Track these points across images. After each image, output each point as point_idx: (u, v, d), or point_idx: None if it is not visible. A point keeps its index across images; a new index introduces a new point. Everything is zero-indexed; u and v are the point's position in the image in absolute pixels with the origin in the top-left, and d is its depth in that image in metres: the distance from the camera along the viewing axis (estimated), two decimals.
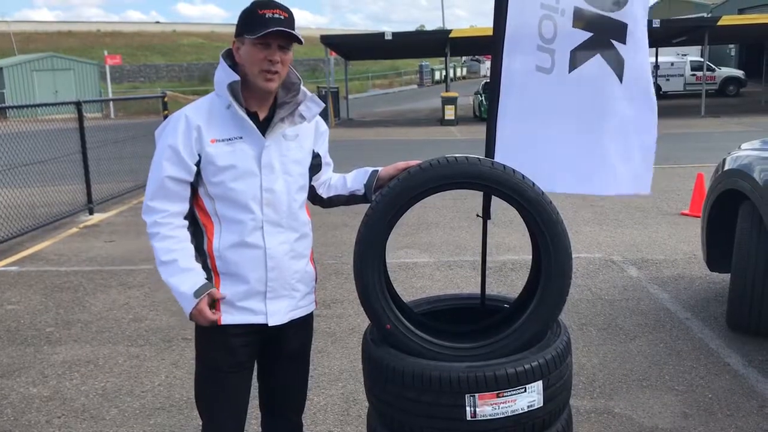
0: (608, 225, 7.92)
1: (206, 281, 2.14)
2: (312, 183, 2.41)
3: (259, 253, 2.17)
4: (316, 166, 2.39)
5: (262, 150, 2.16)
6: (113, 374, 4.24)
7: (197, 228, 2.21)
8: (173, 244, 2.13)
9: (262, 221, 2.16)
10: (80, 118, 9.50)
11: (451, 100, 24.32)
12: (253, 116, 2.17)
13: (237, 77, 2.12)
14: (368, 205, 2.35)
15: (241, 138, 2.14)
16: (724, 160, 4.85)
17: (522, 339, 2.31)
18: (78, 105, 9.56)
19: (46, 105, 9.61)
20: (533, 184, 2.28)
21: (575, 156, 2.53)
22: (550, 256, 2.28)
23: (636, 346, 4.42)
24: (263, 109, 2.22)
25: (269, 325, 2.23)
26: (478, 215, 2.62)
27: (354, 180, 2.47)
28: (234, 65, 2.16)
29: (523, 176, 2.28)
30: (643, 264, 6.30)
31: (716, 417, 3.45)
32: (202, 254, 2.19)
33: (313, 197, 2.48)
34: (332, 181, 2.50)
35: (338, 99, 27.87)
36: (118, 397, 3.92)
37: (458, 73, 55.48)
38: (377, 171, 2.46)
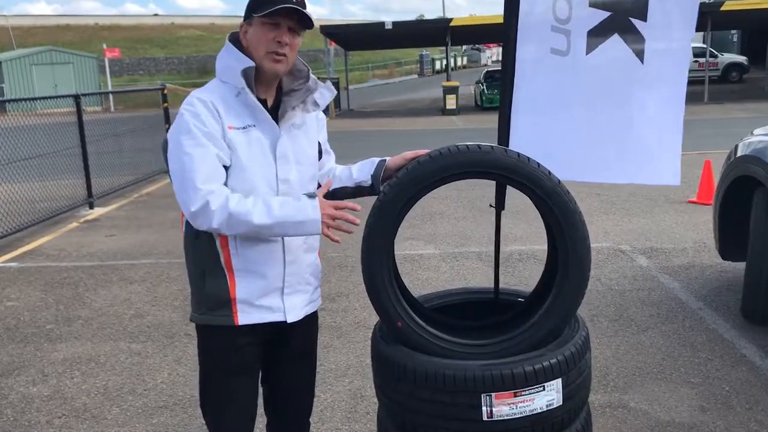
0: (615, 214, 7.81)
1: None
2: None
3: (277, 247, 2.07)
4: (318, 154, 2.29)
5: (277, 139, 2.06)
6: (115, 372, 4.15)
7: None
8: (253, 201, 1.96)
9: None
10: (79, 112, 9.40)
11: (453, 90, 24.15)
12: (262, 103, 2.07)
13: (252, 63, 2.00)
14: (375, 197, 2.24)
15: (254, 126, 2.03)
16: (737, 146, 4.73)
17: (539, 335, 2.20)
18: (76, 98, 9.45)
19: (44, 98, 9.53)
20: (549, 172, 2.17)
21: (594, 142, 2.41)
22: (567, 248, 2.18)
23: (648, 337, 4.32)
24: (270, 97, 2.11)
25: (288, 321, 2.13)
26: (491, 206, 2.52)
27: (360, 171, 2.36)
28: (241, 51, 2.05)
29: (538, 164, 2.17)
30: (652, 253, 6.19)
31: (735, 411, 3.36)
32: (215, 253, 2.05)
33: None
34: (337, 172, 2.39)
35: (338, 90, 27.72)
36: (120, 395, 3.83)
37: (458, 63, 55.22)
38: (384, 161, 2.36)
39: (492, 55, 57.84)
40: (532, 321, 2.25)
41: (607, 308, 4.83)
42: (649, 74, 2.22)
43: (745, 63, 32.46)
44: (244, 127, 2.01)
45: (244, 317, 2.07)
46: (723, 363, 3.90)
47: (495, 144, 2.26)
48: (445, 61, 40.00)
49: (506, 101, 2.48)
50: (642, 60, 2.22)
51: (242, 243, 2.04)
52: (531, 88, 2.39)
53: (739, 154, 4.62)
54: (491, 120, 20.76)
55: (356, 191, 2.39)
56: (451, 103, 24.06)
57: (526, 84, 2.36)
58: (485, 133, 16.15)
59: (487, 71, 28.24)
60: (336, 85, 26.94)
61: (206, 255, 2.06)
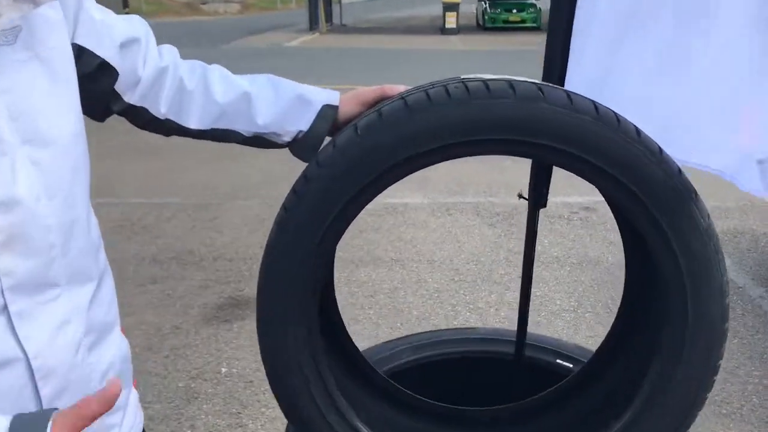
0: None
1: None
2: (138, 104, 1.11)
3: (17, 369, 0.85)
4: (102, 71, 1.01)
5: None
6: None
7: None
8: None
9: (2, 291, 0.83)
10: None
11: (453, 7, 22.38)
12: None
13: None
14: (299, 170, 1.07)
15: None
16: None
17: None
18: None
19: None
20: (660, 150, 1.02)
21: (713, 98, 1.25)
22: (685, 313, 1.04)
23: None
24: None
25: None
26: (521, 197, 1.35)
27: (277, 109, 1.16)
28: None
29: (638, 132, 1.02)
30: None
31: None
32: None
33: (161, 126, 1.16)
34: (213, 86, 1.15)
35: (330, 2, 25.83)
36: None
37: None
38: (331, 108, 1.17)
39: None
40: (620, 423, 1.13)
41: None
42: None
43: None
44: None
45: None
46: None
47: (535, 80, 1.09)
48: None
49: (560, 22, 1.27)
50: None
51: None
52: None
53: None
54: (495, 42, 19.26)
55: (261, 141, 1.21)
56: (451, 21, 22.34)
57: None
58: (489, 58, 14.71)
59: None
60: None
61: None
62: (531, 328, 1.57)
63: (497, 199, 5.33)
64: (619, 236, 1.33)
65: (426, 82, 1.10)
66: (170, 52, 1.17)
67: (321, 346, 1.14)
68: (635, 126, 1.02)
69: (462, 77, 1.08)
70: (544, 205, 1.31)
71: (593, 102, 1.02)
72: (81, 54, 0.96)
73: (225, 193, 5.48)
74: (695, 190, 1.03)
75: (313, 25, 23.72)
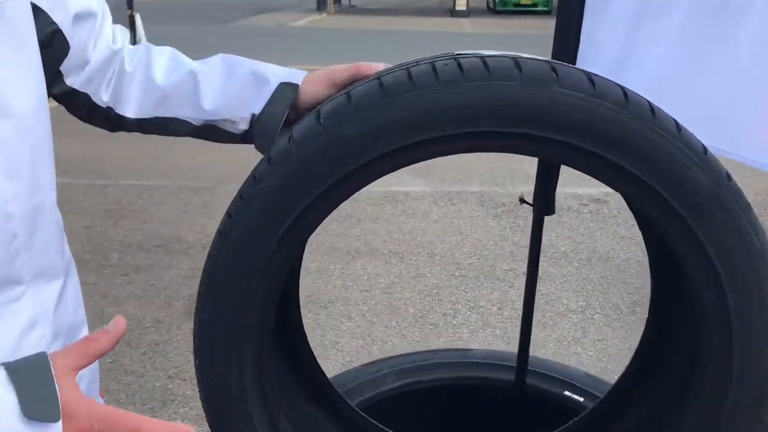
0: None
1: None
2: (81, 89, 0.95)
3: None
4: (54, 41, 0.84)
5: None
6: None
7: None
8: None
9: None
10: None
11: None
12: None
13: None
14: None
15: None
16: None
17: None
18: None
19: None
20: (704, 150, 0.80)
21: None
22: (729, 336, 0.82)
23: None
24: None
25: None
26: (523, 201, 1.13)
27: (228, 90, 0.97)
28: None
29: (678, 126, 0.80)
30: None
31: None
32: None
33: (101, 116, 0.99)
34: (154, 67, 0.97)
35: None
36: None
37: None
38: (292, 86, 0.97)
39: None
40: None
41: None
42: None
43: None
44: None
45: None
46: None
47: (545, 57, 0.87)
48: None
49: None
50: None
51: None
52: None
53: None
54: (505, 25, 18.89)
55: (214, 133, 1.02)
56: (461, 3, 21.95)
57: None
58: (499, 41, 14.37)
59: None
60: None
61: None
62: (534, 330, 1.36)
63: (503, 188, 5.10)
64: (632, 230, 1.10)
65: None
66: (123, 33, 1.00)
67: (274, 377, 0.94)
68: (673, 118, 0.80)
69: (456, 53, 0.86)
70: (552, 212, 1.08)
71: (620, 86, 0.80)
72: (36, 15, 0.80)
73: (219, 176, 5.26)
74: (748, 202, 0.82)
75: (321, 6, 23.38)
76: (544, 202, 1.06)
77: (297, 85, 0.95)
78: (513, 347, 2.89)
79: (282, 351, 1.08)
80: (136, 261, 3.85)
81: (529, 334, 1.25)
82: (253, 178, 0.84)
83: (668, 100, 0.85)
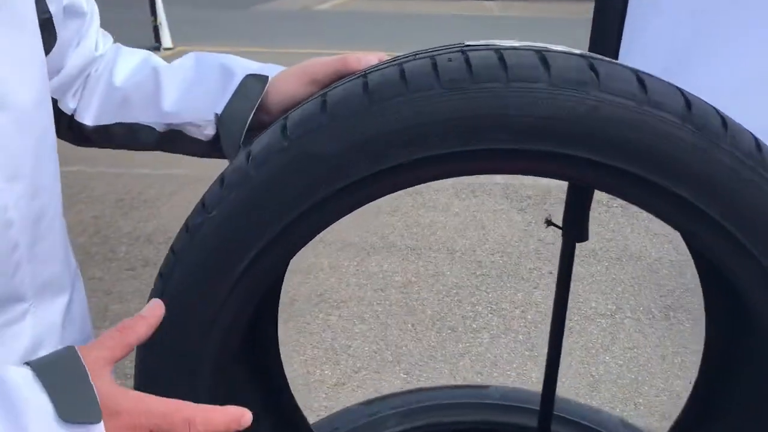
0: None
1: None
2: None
3: None
4: (44, 31, 0.74)
5: None
6: None
7: None
8: None
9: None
10: None
11: None
12: None
13: None
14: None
15: None
16: None
17: None
18: None
19: None
20: None
21: None
22: None
23: None
24: None
25: None
26: (550, 223, 0.93)
27: (191, 89, 0.84)
28: None
29: (759, 145, 0.60)
30: None
31: None
32: None
33: (65, 125, 0.88)
34: (117, 68, 0.87)
35: None
36: None
37: None
38: (257, 76, 0.81)
39: None
40: None
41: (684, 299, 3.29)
42: None
43: None
44: None
45: None
46: None
47: (584, 51, 0.67)
48: None
49: None
50: None
51: None
52: None
53: None
54: (536, 8, 18.37)
55: (180, 141, 0.87)
56: None
57: None
58: (529, 26, 13.95)
59: None
60: None
61: None
62: None
63: (529, 179, 4.87)
64: (665, 227, 0.90)
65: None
66: (105, 38, 0.91)
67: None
68: (751, 133, 0.61)
69: (466, 43, 0.67)
70: (586, 238, 0.89)
71: (681, 91, 0.60)
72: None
73: None
74: None
75: None
76: (575, 227, 0.87)
77: (266, 78, 0.78)
78: (537, 355, 2.71)
79: (263, 402, 0.90)
80: (143, 254, 3.71)
81: (556, 373, 1.06)
82: (202, 205, 0.66)
83: (743, 108, 0.65)
